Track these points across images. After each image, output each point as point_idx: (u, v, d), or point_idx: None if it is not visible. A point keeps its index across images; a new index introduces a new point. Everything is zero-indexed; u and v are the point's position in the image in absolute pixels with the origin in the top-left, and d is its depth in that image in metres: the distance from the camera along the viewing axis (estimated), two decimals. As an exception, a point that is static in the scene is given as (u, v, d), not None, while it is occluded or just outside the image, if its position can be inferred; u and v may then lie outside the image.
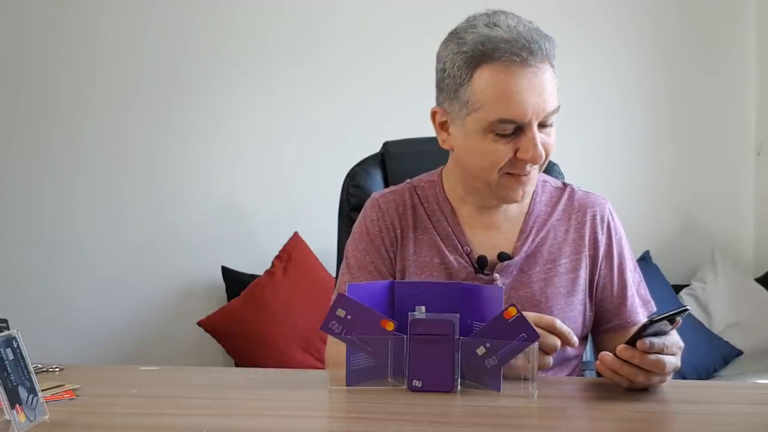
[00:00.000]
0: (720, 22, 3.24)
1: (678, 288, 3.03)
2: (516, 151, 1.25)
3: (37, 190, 3.09)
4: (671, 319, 1.03)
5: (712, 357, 2.75)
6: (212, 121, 3.10)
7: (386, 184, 1.69)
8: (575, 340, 1.16)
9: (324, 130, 3.12)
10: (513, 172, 1.27)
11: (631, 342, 1.03)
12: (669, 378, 1.08)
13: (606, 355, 1.05)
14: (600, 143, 3.19)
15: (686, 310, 1.04)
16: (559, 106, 1.27)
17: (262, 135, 3.12)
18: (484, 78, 1.23)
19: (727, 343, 2.80)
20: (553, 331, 1.13)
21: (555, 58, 1.27)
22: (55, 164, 3.09)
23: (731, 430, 0.93)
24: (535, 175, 1.30)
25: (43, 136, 3.09)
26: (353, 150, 1.87)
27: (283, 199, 3.10)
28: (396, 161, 1.72)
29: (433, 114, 1.34)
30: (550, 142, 1.28)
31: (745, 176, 3.26)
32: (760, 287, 2.99)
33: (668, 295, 2.89)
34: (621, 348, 1.03)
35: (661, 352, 1.03)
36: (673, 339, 1.08)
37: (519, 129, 1.24)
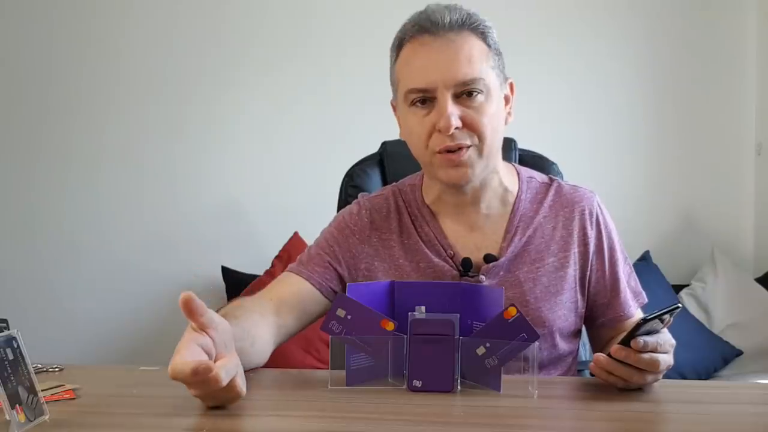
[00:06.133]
0: (721, 21, 3.25)
1: (678, 288, 3.03)
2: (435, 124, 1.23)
3: (36, 192, 3.09)
4: (663, 318, 1.03)
5: (712, 357, 2.75)
6: (211, 122, 3.11)
7: (384, 184, 1.69)
8: None
9: (323, 130, 3.12)
10: (441, 149, 1.24)
11: (625, 342, 1.03)
12: (662, 376, 1.08)
13: (600, 356, 1.05)
14: (600, 143, 3.19)
15: (678, 307, 1.04)
16: (480, 78, 1.21)
17: (262, 135, 3.13)
18: (402, 55, 1.27)
19: (727, 343, 2.80)
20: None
21: (488, 32, 1.25)
22: (52, 167, 3.09)
23: (731, 430, 0.93)
24: (473, 157, 1.24)
25: (39, 140, 3.09)
26: (352, 150, 1.87)
27: (283, 199, 3.10)
28: (394, 161, 1.72)
29: (393, 108, 1.36)
30: (477, 116, 1.22)
31: (745, 176, 3.26)
32: (760, 287, 2.99)
33: (668, 295, 2.89)
34: (615, 348, 1.03)
35: (654, 351, 1.03)
36: (666, 337, 1.08)
37: (433, 99, 1.23)
